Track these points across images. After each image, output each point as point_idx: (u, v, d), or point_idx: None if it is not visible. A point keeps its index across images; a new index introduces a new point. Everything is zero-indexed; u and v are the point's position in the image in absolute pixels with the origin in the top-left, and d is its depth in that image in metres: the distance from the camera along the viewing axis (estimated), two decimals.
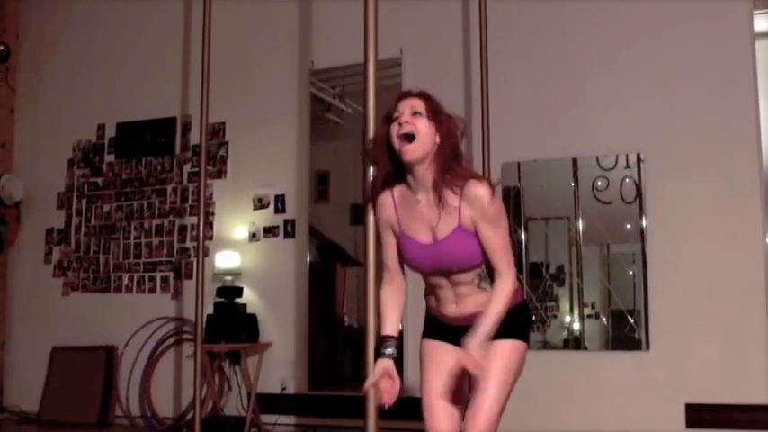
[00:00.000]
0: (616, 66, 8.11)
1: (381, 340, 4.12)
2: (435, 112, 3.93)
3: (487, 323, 3.82)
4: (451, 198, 3.89)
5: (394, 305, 4.17)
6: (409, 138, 3.86)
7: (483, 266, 3.99)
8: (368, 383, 4.10)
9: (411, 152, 3.85)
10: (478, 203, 3.82)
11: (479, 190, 3.83)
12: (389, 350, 4.06)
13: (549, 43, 8.40)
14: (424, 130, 3.86)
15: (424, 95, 3.98)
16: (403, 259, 4.10)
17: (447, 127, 3.94)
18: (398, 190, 4.06)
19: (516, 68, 8.30)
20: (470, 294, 4.02)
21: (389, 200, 4.06)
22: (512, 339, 4.03)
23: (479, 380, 3.92)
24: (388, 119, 4.03)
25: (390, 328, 4.14)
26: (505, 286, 3.87)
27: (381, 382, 4.02)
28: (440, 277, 4.02)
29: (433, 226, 3.94)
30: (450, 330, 4.13)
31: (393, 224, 4.06)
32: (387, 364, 4.02)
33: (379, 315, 4.15)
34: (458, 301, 4.05)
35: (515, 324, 4.07)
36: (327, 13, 9.35)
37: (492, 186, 3.89)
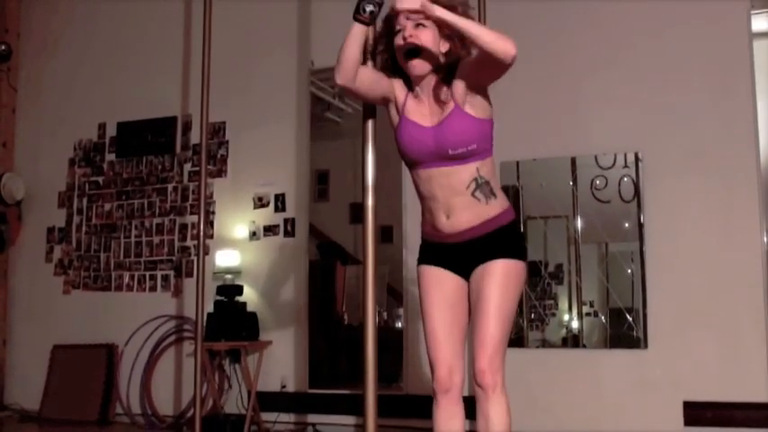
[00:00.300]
0: (614, 66, 8.12)
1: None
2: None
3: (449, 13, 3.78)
4: (446, 88, 3.95)
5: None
6: (414, 53, 3.90)
7: (480, 172, 3.98)
8: None
9: (418, 67, 3.91)
10: (461, 67, 3.91)
11: (463, 60, 3.92)
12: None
13: (549, 43, 8.40)
14: (428, 42, 3.88)
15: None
16: (402, 146, 4.08)
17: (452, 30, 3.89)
18: (412, 92, 4.10)
19: (515, 68, 8.27)
20: (464, 207, 4.00)
21: (402, 86, 4.12)
22: (506, 258, 4.03)
23: (478, 303, 3.97)
24: (388, 21, 4.06)
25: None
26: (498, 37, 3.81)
27: None
28: (433, 180, 4.01)
29: (434, 115, 3.97)
30: (445, 252, 4.13)
31: (397, 98, 4.11)
32: None
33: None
34: (451, 213, 4.03)
35: (508, 243, 4.08)
36: (327, 13, 9.33)
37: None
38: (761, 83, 7.73)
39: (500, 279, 3.98)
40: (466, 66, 3.94)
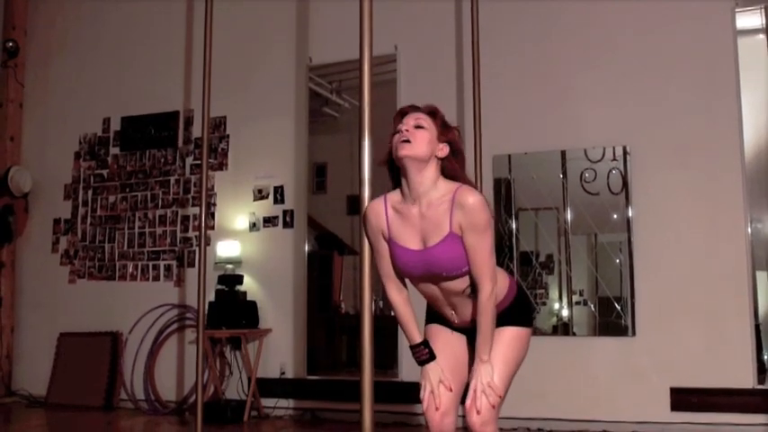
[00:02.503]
0: (604, 63, 8.11)
1: (416, 348, 4.06)
2: (437, 122, 3.91)
3: (484, 344, 3.85)
4: (444, 204, 3.82)
5: (411, 313, 4.07)
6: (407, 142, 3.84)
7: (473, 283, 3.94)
8: (426, 394, 4.01)
9: (407, 149, 3.79)
10: (468, 210, 3.74)
11: (470, 197, 3.75)
12: (429, 355, 4.05)
13: (539, 41, 8.39)
14: (424, 139, 3.82)
15: (431, 112, 3.95)
16: (396, 266, 4.00)
17: (451, 139, 3.94)
18: (392, 198, 3.99)
19: (507, 65, 8.29)
20: (464, 303, 3.98)
21: (381, 207, 3.99)
22: (512, 326, 4.02)
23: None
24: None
25: (419, 335, 4.10)
26: (486, 299, 3.78)
27: (438, 387, 4.02)
28: (431, 285, 3.97)
29: (424, 234, 3.86)
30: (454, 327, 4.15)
31: (383, 230, 3.99)
32: (437, 368, 4.03)
33: (400, 323, 4.09)
34: (455, 308, 4.02)
35: (514, 315, 4.06)
36: (324, 12, 9.34)
37: (483, 196, 3.83)
38: (745, 79, 7.72)
39: (505, 348, 3.98)
40: (465, 225, 3.80)
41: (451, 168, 3.92)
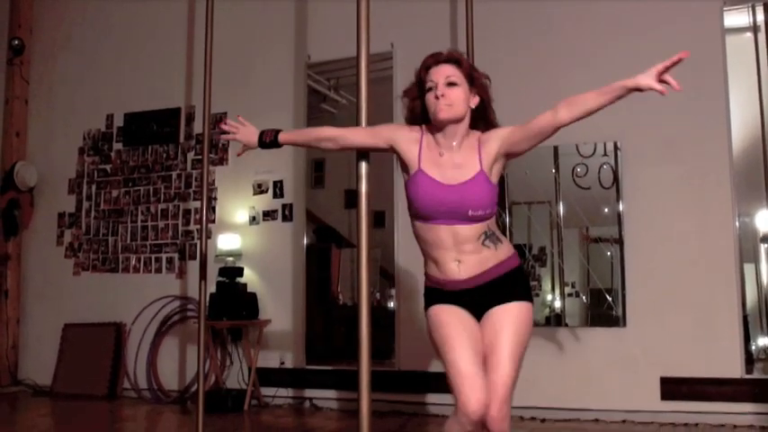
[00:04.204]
0: (594, 61, 8.08)
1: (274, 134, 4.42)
2: (470, 77, 3.92)
3: (607, 89, 4.04)
4: (473, 147, 3.91)
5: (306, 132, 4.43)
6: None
7: (490, 224, 3.92)
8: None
9: (445, 111, 3.83)
10: (493, 135, 3.92)
11: (492, 132, 3.94)
12: (267, 140, 4.45)
13: (532, 40, 8.37)
14: (460, 98, 3.85)
15: (455, 60, 3.93)
16: (416, 199, 3.94)
17: (481, 87, 3.96)
18: (427, 136, 4.02)
19: (501, 64, 8.26)
20: (474, 252, 3.90)
21: (418, 134, 4.04)
22: (518, 301, 3.95)
23: (494, 346, 3.85)
24: (419, 84, 4.02)
25: (287, 137, 4.49)
26: (557, 108, 3.99)
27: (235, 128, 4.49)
28: (447, 229, 3.88)
29: (454, 173, 3.88)
30: (457, 296, 3.99)
31: (406, 152, 4.03)
32: (253, 137, 4.50)
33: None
34: (461, 258, 3.91)
35: (520, 286, 4.01)
36: (322, 10, 9.33)
37: None
38: (733, 76, 7.71)
39: (515, 323, 3.89)
40: (514, 135, 3.93)
41: (482, 116, 3.99)
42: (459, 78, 3.87)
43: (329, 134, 4.25)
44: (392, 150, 4.10)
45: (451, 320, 3.92)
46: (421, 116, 4.05)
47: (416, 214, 4.00)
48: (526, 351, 3.98)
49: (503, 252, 3.97)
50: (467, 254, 3.90)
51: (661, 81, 3.82)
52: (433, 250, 3.98)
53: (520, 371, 3.92)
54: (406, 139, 4.03)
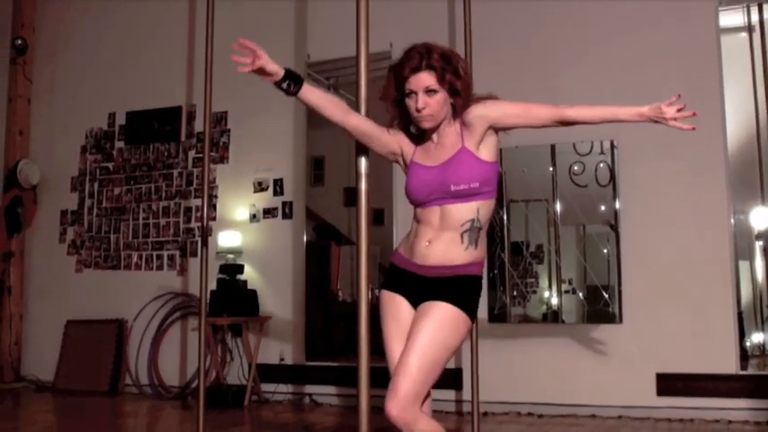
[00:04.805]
0: (591, 59, 8.09)
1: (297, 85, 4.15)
2: (444, 79, 3.79)
3: (612, 110, 4.13)
4: (455, 131, 3.87)
5: (331, 99, 4.06)
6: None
7: (480, 214, 3.83)
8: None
9: (428, 121, 3.81)
10: (475, 113, 3.83)
11: (473, 109, 3.83)
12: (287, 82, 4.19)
13: (529, 39, 8.37)
14: (440, 104, 3.79)
15: (431, 66, 3.78)
16: (409, 189, 3.95)
17: (460, 85, 3.83)
18: (416, 138, 4.01)
19: (498, 62, 8.26)
20: (447, 243, 3.82)
21: (409, 142, 4.03)
22: (454, 306, 3.77)
23: (410, 336, 3.77)
24: (396, 74, 3.90)
25: (308, 95, 4.14)
26: (562, 109, 3.92)
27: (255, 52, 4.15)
28: (435, 209, 3.85)
29: (439, 156, 3.87)
30: (409, 281, 3.94)
31: (405, 153, 4.03)
32: (275, 67, 4.19)
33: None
34: (432, 241, 3.84)
35: (465, 293, 3.85)
36: (322, 11, 9.33)
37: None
38: (728, 75, 7.71)
39: (437, 321, 3.74)
40: (505, 117, 3.87)
41: (460, 105, 3.87)
42: (437, 84, 3.79)
43: (356, 124, 4.00)
44: (390, 155, 4.09)
45: (392, 322, 3.99)
46: (405, 119, 4.00)
47: (414, 203, 4.00)
48: (448, 357, 3.79)
49: (469, 256, 3.86)
50: (441, 240, 3.85)
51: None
52: (419, 226, 3.96)
53: (434, 375, 3.76)
54: (407, 143, 4.04)
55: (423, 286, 3.87)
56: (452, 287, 3.82)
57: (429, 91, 3.78)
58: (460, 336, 3.81)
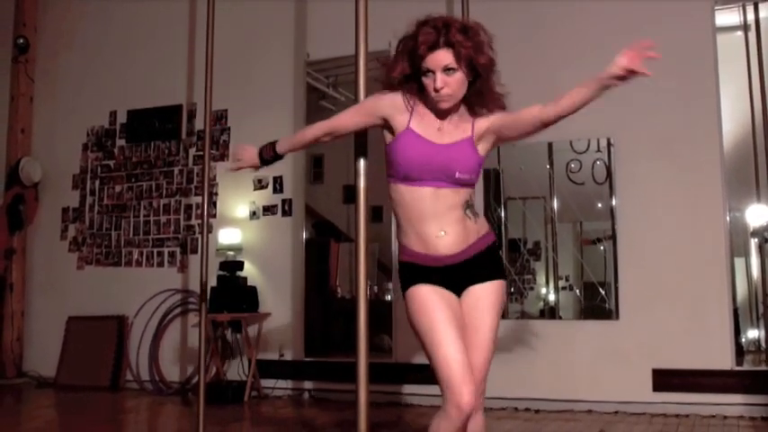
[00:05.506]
0: (588, 58, 8.05)
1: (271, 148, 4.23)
2: (466, 58, 3.62)
3: (592, 82, 3.83)
4: (467, 118, 3.73)
5: (302, 132, 4.20)
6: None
7: (471, 194, 3.76)
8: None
9: (447, 102, 3.64)
10: (490, 114, 3.76)
11: (495, 115, 3.77)
12: (267, 156, 4.24)
13: (527, 39, 8.35)
14: (459, 84, 3.62)
15: (449, 42, 3.60)
16: (403, 157, 3.71)
17: (483, 57, 3.70)
18: (419, 104, 3.77)
19: (497, 63, 8.26)
20: (458, 222, 3.69)
21: (402, 107, 3.78)
22: (497, 280, 3.80)
23: (476, 328, 3.70)
24: (410, 50, 3.76)
25: (283, 146, 4.25)
26: (541, 107, 3.84)
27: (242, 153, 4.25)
28: (431, 191, 3.66)
29: (443, 134, 3.69)
30: (438, 273, 3.73)
31: (396, 120, 3.77)
32: (255, 157, 4.24)
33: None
34: (446, 230, 3.67)
35: (497, 263, 3.87)
36: (322, 9, 9.31)
37: None
38: (724, 74, 7.71)
39: (497, 305, 3.76)
40: (501, 119, 3.77)
41: (484, 89, 3.77)
42: (456, 62, 3.60)
43: (324, 130, 4.05)
44: (382, 121, 3.88)
45: (437, 305, 3.65)
46: (404, 80, 3.81)
47: (400, 175, 3.76)
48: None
49: (482, 226, 3.85)
50: (451, 224, 3.69)
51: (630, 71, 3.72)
52: (416, 221, 3.75)
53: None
54: (398, 110, 3.79)
55: (453, 272, 3.74)
56: (487, 263, 3.80)
57: (448, 69, 3.60)
58: (505, 302, 3.92)
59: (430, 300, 3.68)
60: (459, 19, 3.76)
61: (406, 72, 3.77)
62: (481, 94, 3.74)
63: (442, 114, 3.74)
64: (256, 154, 4.27)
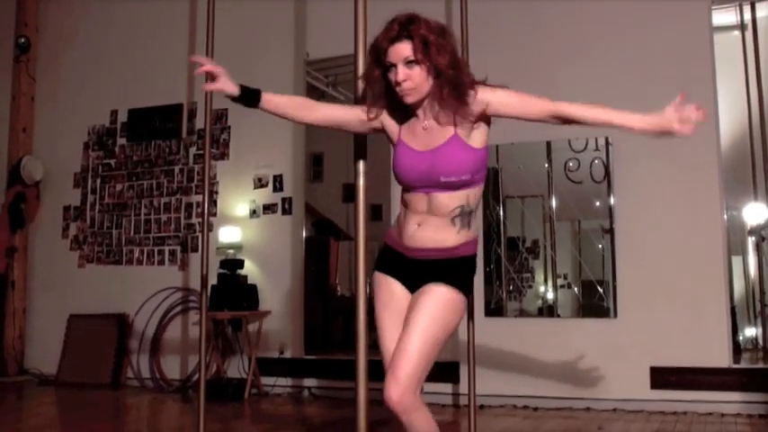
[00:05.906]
0: (586, 57, 8.08)
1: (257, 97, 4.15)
2: (426, 51, 3.52)
3: (618, 114, 3.73)
4: (448, 112, 3.60)
5: (290, 99, 4.23)
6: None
7: (469, 200, 3.66)
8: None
9: (411, 96, 3.56)
10: (483, 97, 3.63)
11: (480, 93, 3.62)
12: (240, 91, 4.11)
13: (526, 38, 8.36)
14: (422, 77, 3.53)
15: (409, 35, 3.55)
16: (396, 172, 3.75)
17: (443, 58, 3.55)
18: (398, 113, 3.74)
19: (495, 61, 8.22)
20: (438, 226, 3.66)
21: (390, 120, 3.79)
22: (452, 287, 3.66)
23: (408, 320, 3.62)
24: (376, 49, 3.67)
25: (268, 107, 4.25)
26: (564, 104, 3.77)
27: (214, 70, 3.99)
28: (423, 196, 3.67)
29: (428, 141, 3.63)
30: (402, 264, 3.79)
31: (389, 128, 3.80)
32: (234, 88, 4.08)
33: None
34: (422, 224, 3.68)
35: (461, 274, 3.74)
36: (321, 9, 9.31)
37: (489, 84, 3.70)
38: (721, 73, 7.71)
39: (437, 309, 3.60)
40: (502, 107, 3.73)
41: (451, 79, 3.59)
42: (415, 54, 3.53)
43: (326, 114, 4.01)
44: (372, 131, 3.92)
45: (386, 307, 3.80)
46: (392, 95, 3.70)
47: (401, 184, 3.82)
48: (446, 340, 3.68)
49: (461, 237, 3.71)
50: (434, 224, 3.68)
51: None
52: (407, 212, 3.80)
53: (433, 358, 3.62)
54: (390, 118, 3.80)
55: (417, 269, 3.74)
56: (449, 269, 3.69)
57: (409, 62, 3.53)
58: (459, 316, 3.72)
59: (382, 297, 3.85)
60: (427, 18, 3.70)
61: (375, 73, 3.70)
62: (455, 85, 3.59)
63: (420, 111, 3.69)
64: (237, 90, 4.11)
